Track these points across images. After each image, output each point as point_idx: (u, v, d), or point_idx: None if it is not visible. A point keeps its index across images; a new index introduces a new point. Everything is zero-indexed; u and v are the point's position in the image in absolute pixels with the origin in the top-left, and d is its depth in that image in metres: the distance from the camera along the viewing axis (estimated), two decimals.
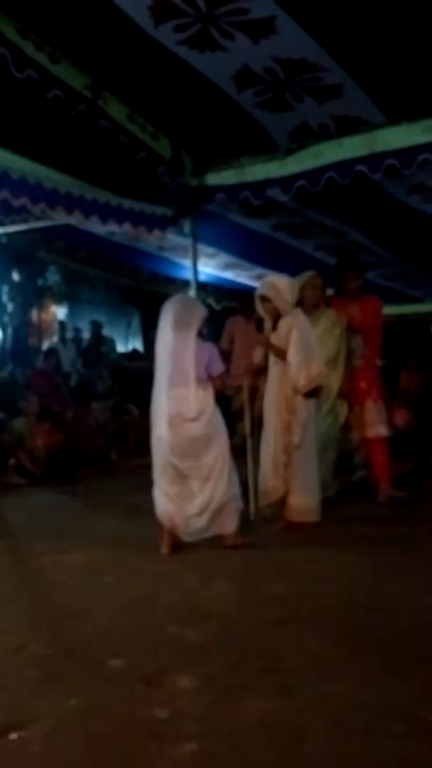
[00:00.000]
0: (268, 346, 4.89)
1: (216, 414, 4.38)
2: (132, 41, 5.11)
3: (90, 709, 2.40)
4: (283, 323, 4.84)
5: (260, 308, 4.96)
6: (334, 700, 2.39)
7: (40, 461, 7.33)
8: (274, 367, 4.91)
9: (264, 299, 4.89)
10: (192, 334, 4.31)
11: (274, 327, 4.89)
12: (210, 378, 4.34)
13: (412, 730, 2.19)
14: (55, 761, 2.10)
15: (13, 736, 2.24)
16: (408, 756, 2.06)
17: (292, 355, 4.74)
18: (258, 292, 4.94)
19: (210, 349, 4.42)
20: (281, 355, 4.79)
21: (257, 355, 5.05)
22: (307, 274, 5.73)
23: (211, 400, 4.33)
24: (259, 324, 5.03)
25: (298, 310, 4.98)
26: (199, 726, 2.25)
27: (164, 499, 4.32)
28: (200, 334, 4.37)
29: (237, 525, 4.36)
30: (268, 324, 4.98)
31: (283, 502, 4.82)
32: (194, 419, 4.26)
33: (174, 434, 4.26)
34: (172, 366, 4.28)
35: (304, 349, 4.74)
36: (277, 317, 4.89)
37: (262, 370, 5.02)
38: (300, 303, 5.17)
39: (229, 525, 4.34)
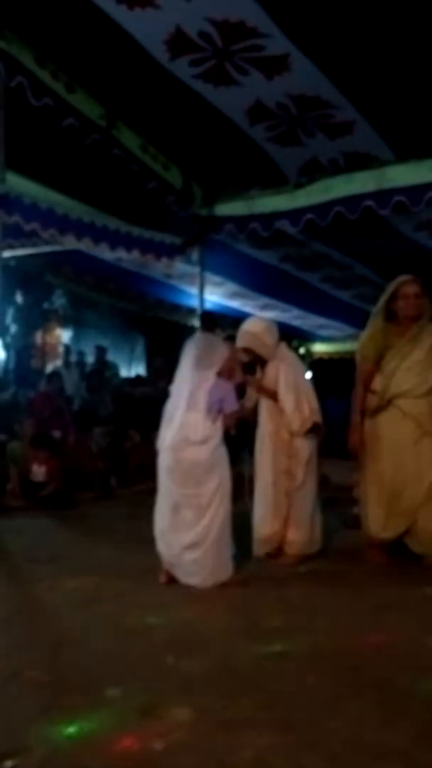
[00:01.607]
0: (260, 390, 4.85)
1: (222, 447, 4.34)
2: (147, 73, 5.22)
3: (85, 738, 2.37)
4: (270, 367, 4.81)
5: (244, 357, 4.88)
6: (332, 739, 2.36)
7: (36, 486, 7.30)
8: (264, 410, 4.87)
9: (246, 350, 4.85)
10: (211, 373, 4.30)
11: (262, 369, 4.86)
12: (221, 414, 4.32)
13: None
14: None
15: (8, 764, 2.21)
16: None
17: (283, 399, 4.70)
18: (238, 345, 4.82)
19: (227, 388, 4.39)
20: (273, 397, 4.77)
21: (250, 399, 4.99)
22: (399, 280, 4.70)
23: (219, 431, 4.31)
24: (248, 367, 4.91)
25: (282, 348, 4.91)
26: (195, 759, 2.22)
27: (158, 533, 4.30)
28: (220, 374, 4.37)
29: (231, 571, 4.29)
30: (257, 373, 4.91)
31: (281, 536, 4.78)
32: (200, 443, 4.20)
33: (176, 459, 4.24)
34: (187, 397, 4.28)
35: (293, 391, 4.71)
36: (263, 361, 4.86)
37: (254, 413, 4.96)
38: (394, 316, 4.67)
39: (223, 574, 4.25)
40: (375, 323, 4.72)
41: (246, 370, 4.90)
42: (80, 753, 2.28)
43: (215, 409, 4.24)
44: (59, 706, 2.60)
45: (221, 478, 4.28)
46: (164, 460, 4.29)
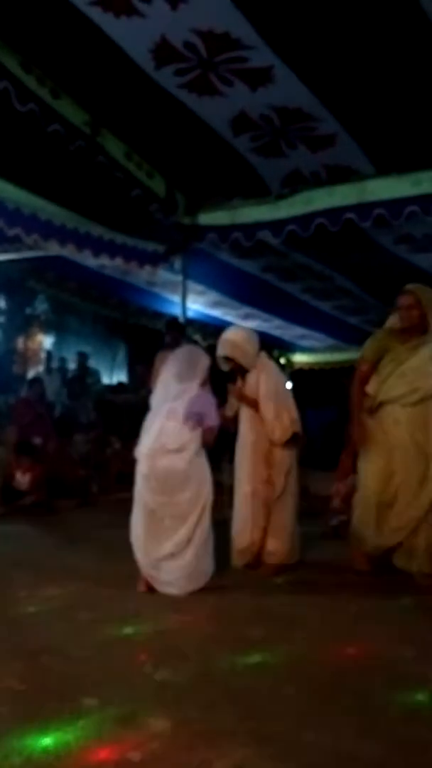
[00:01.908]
0: (240, 398, 4.87)
1: (201, 458, 4.33)
2: (132, 82, 5.24)
3: (62, 749, 2.36)
4: (251, 376, 4.82)
5: (224, 366, 4.91)
6: (309, 750, 2.37)
7: (18, 494, 7.27)
8: (245, 420, 4.88)
9: (226, 359, 4.88)
10: (194, 384, 4.35)
11: (243, 379, 4.88)
12: (200, 426, 4.32)
13: None
14: None
15: None
16: None
17: (264, 408, 4.72)
18: (219, 354, 4.86)
19: (209, 401, 4.41)
20: (253, 406, 4.78)
21: (230, 407, 5.01)
22: (403, 289, 4.69)
23: (198, 440, 4.31)
24: (229, 376, 4.93)
25: (263, 357, 4.94)
26: None
27: (134, 540, 4.29)
28: (204, 384, 4.40)
29: (208, 577, 4.30)
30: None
31: (259, 547, 4.78)
32: (176, 451, 4.21)
33: (152, 466, 4.23)
34: (168, 406, 4.30)
35: (273, 400, 4.72)
36: (244, 370, 4.88)
37: (234, 422, 4.97)
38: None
39: (201, 582, 4.26)
40: (383, 329, 4.78)
41: (226, 378, 4.91)
42: (55, 764, 2.27)
43: (193, 420, 4.25)
44: (35, 716, 2.59)
45: (199, 487, 4.27)
46: (141, 468, 4.30)
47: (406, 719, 2.63)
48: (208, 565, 4.30)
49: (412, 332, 4.54)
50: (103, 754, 2.33)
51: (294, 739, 2.45)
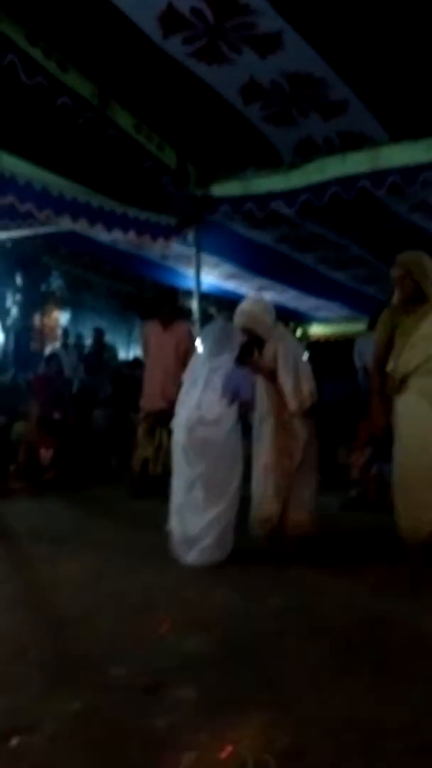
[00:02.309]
0: (258, 370, 4.86)
1: (237, 430, 4.39)
2: (140, 51, 5.16)
3: (90, 716, 2.42)
4: (267, 347, 4.81)
5: (243, 338, 4.91)
6: (331, 716, 2.40)
7: (43, 469, 7.36)
8: (263, 391, 4.88)
9: (244, 330, 4.87)
10: (227, 360, 4.44)
11: (261, 351, 4.87)
12: (236, 400, 4.37)
13: (409, 748, 2.20)
14: (56, 767, 2.12)
15: (14, 741, 2.26)
16: None
17: (282, 379, 4.70)
18: (236, 325, 4.83)
19: (243, 375, 4.47)
20: (271, 378, 4.77)
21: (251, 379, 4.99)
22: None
23: (235, 414, 4.35)
24: (246, 347, 4.92)
25: (281, 328, 4.94)
26: (197, 736, 2.27)
27: (174, 510, 4.37)
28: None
29: (228, 552, 4.34)
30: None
31: (280, 517, 4.80)
32: (214, 423, 4.28)
33: (190, 437, 4.30)
34: (205, 377, 4.38)
35: (292, 370, 4.70)
36: (261, 342, 4.86)
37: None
38: None
39: (225, 553, 4.32)
40: (389, 306, 4.69)
41: (244, 350, 4.91)
42: (85, 731, 2.32)
43: (230, 394, 4.31)
44: (65, 685, 2.64)
45: (234, 462, 4.33)
46: (178, 439, 4.36)
47: (426, 686, 2.65)
48: (231, 539, 4.37)
49: (414, 303, 4.46)
50: (131, 720, 2.38)
51: (315, 705, 2.49)
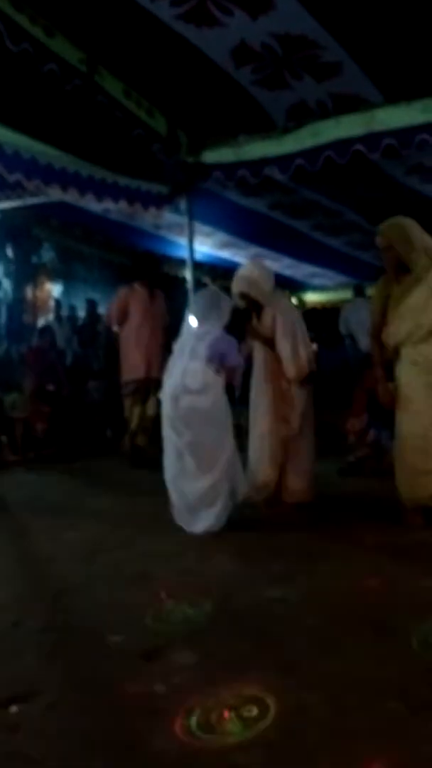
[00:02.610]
0: (256, 336, 4.83)
1: (223, 398, 4.37)
2: (128, 15, 5.04)
3: (89, 683, 2.43)
4: (265, 313, 4.77)
5: (240, 304, 4.88)
6: (331, 679, 2.42)
7: (39, 441, 7.36)
8: (260, 357, 4.85)
9: (242, 295, 4.83)
10: (217, 326, 4.42)
11: (259, 317, 4.84)
12: (222, 366, 4.34)
13: (407, 707, 2.22)
14: (54, 734, 2.13)
15: (13, 709, 2.27)
16: (401, 732, 2.09)
17: (280, 346, 4.68)
18: (234, 290, 4.82)
19: (230, 341, 4.45)
20: (269, 343, 4.75)
21: (248, 347, 4.97)
22: None
23: (221, 382, 4.33)
24: (244, 313, 4.90)
25: (279, 295, 4.92)
26: (198, 700, 2.28)
27: (168, 480, 4.36)
28: (226, 328, 4.46)
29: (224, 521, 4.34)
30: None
31: (277, 485, 4.81)
32: (199, 392, 4.26)
33: (176, 406, 4.29)
34: (191, 347, 4.34)
35: (290, 337, 4.68)
36: (259, 307, 4.84)
37: (248, 360, 4.93)
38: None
39: (224, 520, 4.32)
40: (383, 276, 4.62)
41: (242, 316, 4.89)
42: (84, 698, 2.33)
43: (215, 361, 4.28)
44: (63, 654, 2.65)
45: (222, 429, 4.32)
46: (165, 409, 4.35)
47: (426, 648, 2.66)
48: (229, 507, 4.37)
49: (403, 272, 4.39)
50: (130, 687, 2.39)
51: (316, 668, 2.50)
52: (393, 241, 4.35)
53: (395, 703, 2.23)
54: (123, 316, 6.73)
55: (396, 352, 4.43)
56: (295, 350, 4.65)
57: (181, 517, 4.33)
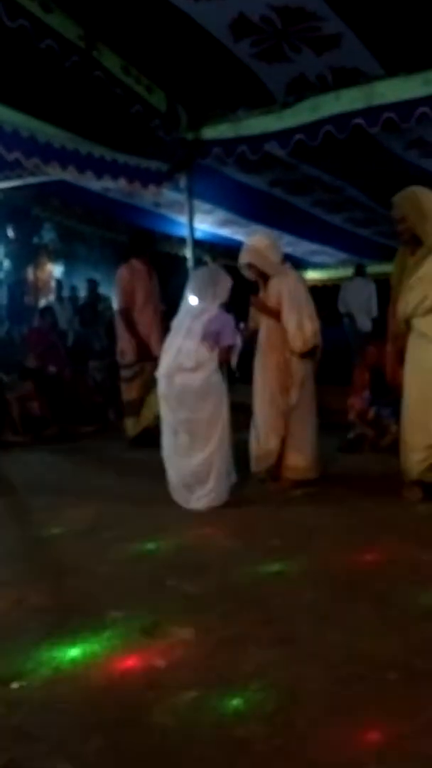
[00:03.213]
0: (262, 308, 4.82)
1: (218, 375, 4.37)
2: None
3: (89, 659, 2.44)
4: (272, 284, 4.77)
5: (247, 274, 4.88)
6: (331, 651, 2.43)
7: (38, 421, 7.36)
8: (265, 329, 4.85)
9: (249, 266, 4.81)
10: (215, 305, 4.41)
11: (265, 288, 4.83)
12: (217, 345, 4.34)
13: (405, 677, 2.23)
14: (55, 710, 2.15)
15: (15, 685, 2.28)
16: (400, 701, 2.11)
17: (286, 317, 4.68)
18: (241, 260, 4.83)
19: (227, 320, 4.44)
20: (274, 315, 4.74)
21: (252, 320, 4.97)
22: None
23: (215, 360, 4.33)
24: (252, 286, 4.91)
25: (287, 268, 4.90)
26: (197, 675, 2.29)
27: (165, 457, 4.39)
28: (224, 305, 4.45)
29: (227, 497, 4.37)
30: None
31: (278, 461, 4.82)
32: (192, 370, 4.26)
33: (169, 384, 4.31)
34: (187, 326, 4.33)
35: (296, 309, 4.67)
36: (266, 278, 4.82)
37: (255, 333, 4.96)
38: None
39: (224, 497, 4.35)
40: (400, 248, 4.58)
41: (249, 288, 4.90)
42: (84, 674, 2.35)
43: (210, 340, 4.28)
44: (63, 631, 2.66)
45: (217, 406, 4.33)
46: (160, 387, 4.36)
47: (425, 619, 2.68)
48: (227, 483, 4.39)
49: (417, 244, 4.35)
50: (130, 662, 2.41)
51: (315, 641, 2.51)
52: (406, 212, 4.32)
53: (394, 673, 2.25)
54: (131, 295, 6.52)
55: (406, 325, 4.41)
56: (301, 322, 4.65)
57: (178, 494, 4.34)
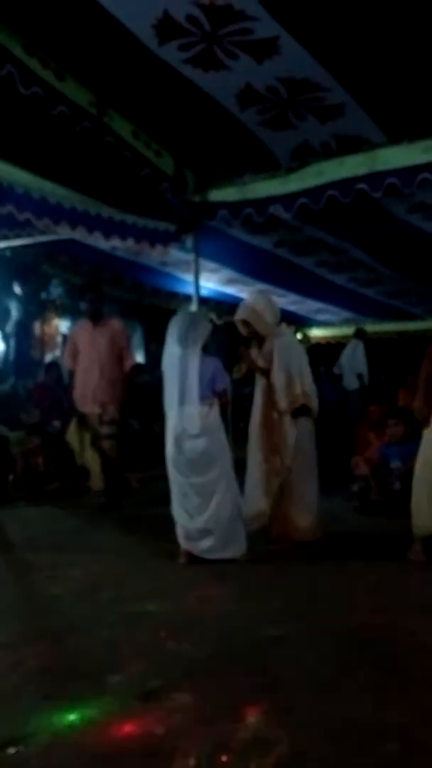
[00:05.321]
0: (251, 364, 4.88)
1: (221, 431, 4.45)
2: (137, 59, 5.16)
3: (87, 725, 2.40)
4: (267, 344, 4.85)
5: (242, 330, 4.94)
6: (331, 719, 2.39)
7: (41, 476, 7.35)
8: (259, 389, 4.89)
9: (244, 323, 4.88)
10: (197, 349, 4.45)
11: (261, 347, 4.89)
12: (215, 394, 4.39)
13: (406, 750, 2.19)
14: None
15: (11, 750, 2.24)
16: None
17: (275, 377, 4.74)
18: (236, 317, 4.91)
19: (214, 364, 4.50)
20: (265, 374, 4.80)
21: (237, 370, 5.00)
22: None
23: (217, 416, 4.41)
24: (244, 340, 4.98)
25: (282, 328, 4.98)
26: (195, 743, 2.25)
27: (176, 517, 4.46)
28: (205, 349, 4.49)
29: (245, 546, 4.41)
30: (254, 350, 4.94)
31: (278, 520, 4.79)
32: (198, 435, 4.36)
33: (179, 451, 4.39)
34: (180, 383, 4.39)
35: (286, 369, 4.73)
36: (261, 338, 4.88)
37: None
38: None
39: (239, 549, 4.40)
40: None
41: (241, 342, 4.96)
42: (82, 739, 2.31)
43: (207, 390, 4.33)
44: (61, 694, 2.63)
45: (222, 465, 4.39)
46: (168, 452, 4.42)
47: (427, 687, 2.63)
48: (241, 532, 4.43)
49: None
50: (128, 728, 2.37)
51: (314, 710, 2.47)
52: None
53: (394, 744, 2.21)
54: (74, 353, 6.76)
55: None
56: (289, 382, 4.69)
57: (191, 544, 4.40)
